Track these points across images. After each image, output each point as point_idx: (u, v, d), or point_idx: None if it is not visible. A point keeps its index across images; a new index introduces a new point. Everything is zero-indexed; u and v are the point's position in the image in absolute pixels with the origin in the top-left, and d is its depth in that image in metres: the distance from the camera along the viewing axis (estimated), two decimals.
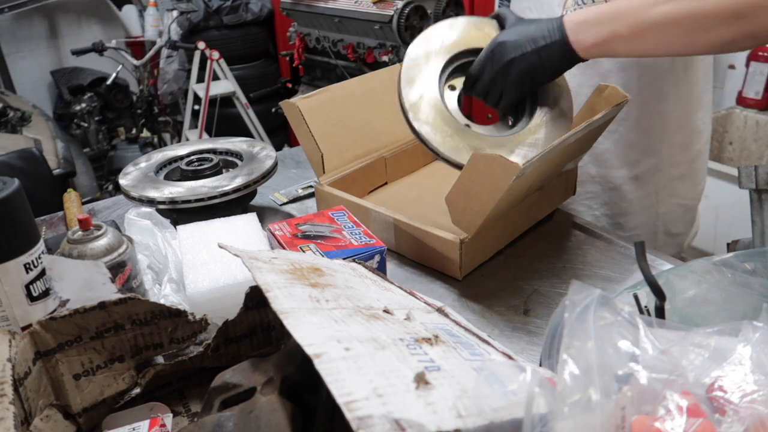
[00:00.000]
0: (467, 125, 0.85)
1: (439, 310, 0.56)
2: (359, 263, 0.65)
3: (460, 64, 0.87)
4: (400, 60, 2.48)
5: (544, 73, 0.77)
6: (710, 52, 0.75)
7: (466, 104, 0.89)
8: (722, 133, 2.89)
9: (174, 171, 1.04)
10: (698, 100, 1.01)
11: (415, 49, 0.88)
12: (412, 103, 0.83)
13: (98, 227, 0.71)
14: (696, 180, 1.07)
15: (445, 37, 0.88)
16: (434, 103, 0.84)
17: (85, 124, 3.19)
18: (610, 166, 1.03)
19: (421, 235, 0.84)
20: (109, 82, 3.24)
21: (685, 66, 0.96)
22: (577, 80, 0.93)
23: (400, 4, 2.10)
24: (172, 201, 0.92)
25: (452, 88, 0.87)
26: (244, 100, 3.20)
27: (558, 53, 0.75)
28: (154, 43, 3.27)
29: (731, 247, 1.19)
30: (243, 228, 0.82)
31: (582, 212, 1.05)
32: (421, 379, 0.35)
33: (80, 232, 0.69)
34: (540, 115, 0.84)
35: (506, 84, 0.79)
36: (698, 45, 0.73)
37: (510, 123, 0.88)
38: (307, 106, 0.96)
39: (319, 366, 0.34)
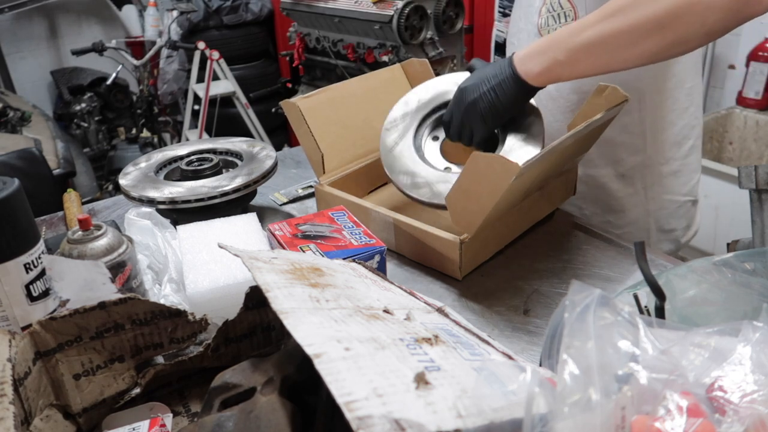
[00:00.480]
0: (447, 168, 0.93)
1: (439, 310, 0.56)
2: (359, 263, 0.65)
3: (438, 116, 0.97)
4: (400, 60, 2.48)
5: (503, 106, 0.83)
6: (643, 63, 0.78)
7: None
8: (722, 133, 2.89)
9: (174, 171, 1.04)
10: (688, 96, 1.01)
11: (393, 112, 0.99)
12: (391, 162, 0.95)
13: (98, 227, 0.71)
14: (689, 175, 1.07)
15: (421, 97, 0.99)
16: (411, 158, 0.94)
17: (85, 124, 3.19)
18: (594, 165, 1.04)
19: (421, 236, 0.84)
20: (109, 82, 3.24)
21: (666, 64, 0.96)
22: (558, 86, 1.00)
23: (400, 4, 2.10)
24: (172, 201, 0.92)
25: (435, 138, 0.98)
26: (244, 100, 3.20)
27: (512, 87, 0.81)
28: (154, 43, 3.27)
29: (731, 247, 1.19)
30: (243, 228, 0.82)
31: (572, 212, 1.05)
32: (421, 379, 0.35)
33: (80, 232, 0.69)
34: (509, 143, 0.88)
35: (473, 123, 0.86)
36: (630, 60, 0.75)
37: None
38: (308, 106, 0.96)
39: (319, 366, 0.34)
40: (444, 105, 0.96)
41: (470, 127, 0.86)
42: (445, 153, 0.96)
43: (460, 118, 0.87)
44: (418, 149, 0.95)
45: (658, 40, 0.72)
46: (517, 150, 0.87)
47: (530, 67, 0.79)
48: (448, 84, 0.98)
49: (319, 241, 0.76)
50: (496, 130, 0.90)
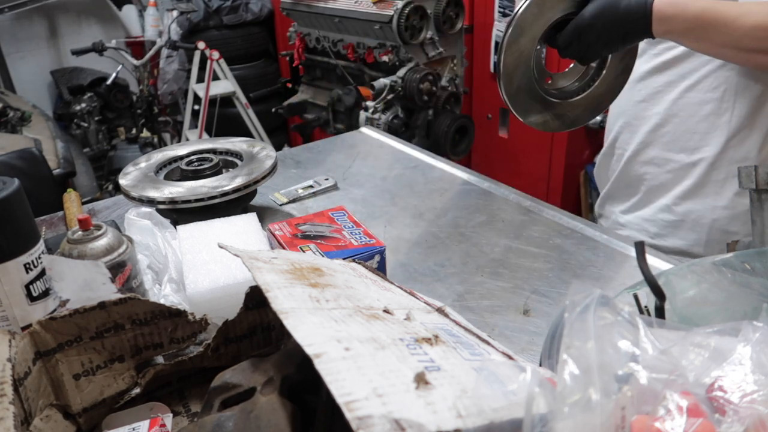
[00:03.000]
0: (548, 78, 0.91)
1: (439, 310, 0.56)
2: (359, 263, 0.65)
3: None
4: (400, 60, 2.47)
5: (627, 42, 0.85)
6: (746, 64, 0.88)
7: None
8: None
9: (174, 171, 1.04)
10: None
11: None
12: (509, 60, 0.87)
13: (98, 227, 0.70)
14: None
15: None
16: (525, 59, 0.87)
17: (85, 124, 3.19)
18: (670, 149, 1.02)
19: None
20: (109, 82, 3.24)
21: None
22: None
23: (400, 4, 2.10)
24: (172, 201, 0.92)
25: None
26: (244, 100, 3.20)
27: (641, 27, 0.82)
28: (154, 43, 3.27)
29: (731, 247, 1.19)
30: (243, 228, 0.82)
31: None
32: (421, 379, 0.35)
33: (80, 232, 0.69)
34: (606, 75, 0.92)
35: (590, 47, 0.85)
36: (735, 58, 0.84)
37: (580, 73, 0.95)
38: None
39: (319, 366, 0.34)
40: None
41: (587, 48, 0.85)
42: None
43: (580, 37, 0.84)
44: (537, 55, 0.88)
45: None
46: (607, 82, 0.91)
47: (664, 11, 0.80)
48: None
49: (319, 241, 0.76)
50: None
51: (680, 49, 0.96)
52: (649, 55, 1.00)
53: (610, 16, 0.82)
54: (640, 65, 0.99)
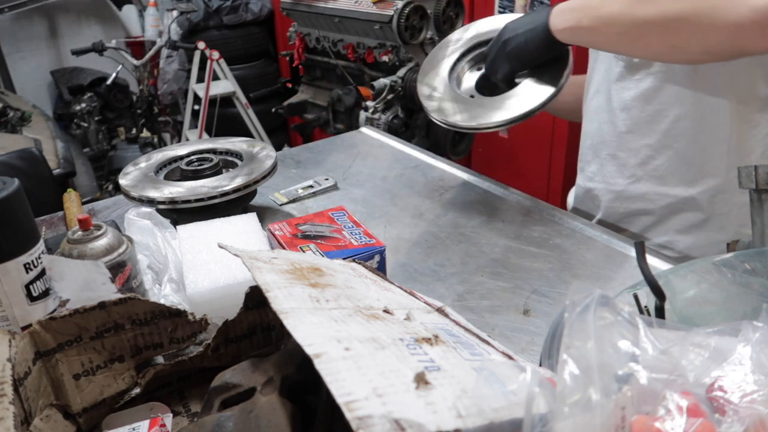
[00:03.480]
0: (471, 96, 0.98)
1: (439, 310, 0.56)
2: (359, 263, 0.65)
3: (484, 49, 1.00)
4: (400, 60, 2.46)
5: (527, 51, 0.87)
6: (648, 58, 0.82)
7: None
8: None
9: (174, 171, 1.04)
10: None
11: (453, 34, 1.06)
12: (425, 72, 1.02)
13: (98, 227, 0.70)
14: None
15: (479, 29, 1.05)
16: (442, 75, 1.01)
17: (85, 124, 3.19)
18: (665, 183, 0.94)
19: None
20: (109, 82, 3.24)
21: (748, 86, 0.85)
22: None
23: (400, 4, 2.10)
24: (172, 201, 0.92)
25: (479, 69, 1.02)
26: (244, 100, 3.20)
27: (540, 35, 0.85)
28: (154, 43, 3.27)
29: (731, 247, 1.19)
30: (243, 228, 0.82)
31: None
32: (421, 379, 0.35)
33: (80, 232, 0.69)
34: (520, 88, 0.93)
35: (500, 61, 0.91)
36: (637, 50, 0.79)
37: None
38: None
39: (319, 366, 0.34)
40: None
41: (498, 64, 0.91)
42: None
43: (494, 54, 0.91)
44: (453, 71, 1.01)
45: (661, 40, 0.74)
46: (519, 96, 0.92)
47: (559, 21, 0.82)
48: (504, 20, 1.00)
49: (319, 241, 0.76)
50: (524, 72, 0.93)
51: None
52: (631, 81, 0.90)
53: (526, 17, 0.87)
54: (622, 92, 0.91)
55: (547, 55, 0.88)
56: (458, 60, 1.02)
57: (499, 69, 0.91)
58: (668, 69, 0.87)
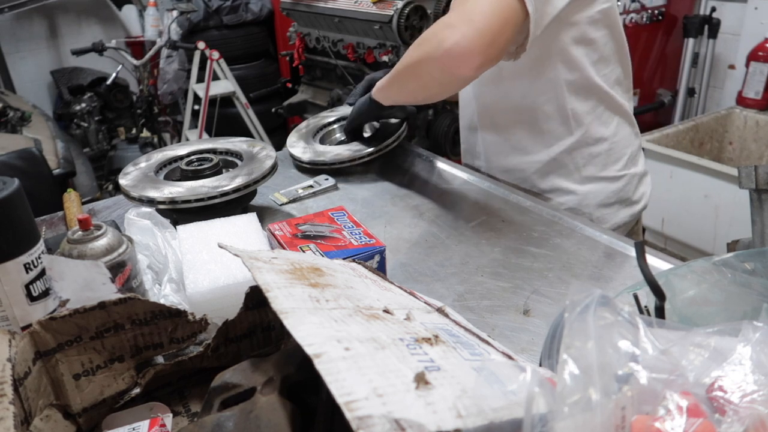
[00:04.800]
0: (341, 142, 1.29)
1: (439, 310, 0.56)
2: (359, 263, 0.65)
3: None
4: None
5: (361, 116, 1.15)
6: (419, 100, 1.10)
7: None
8: (722, 133, 2.89)
9: (174, 171, 1.04)
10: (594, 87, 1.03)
11: (296, 129, 1.36)
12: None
13: (98, 227, 0.70)
14: (621, 151, 1.08)
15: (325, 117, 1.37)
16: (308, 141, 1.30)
17: (85, 124, 3.19)
18: (527, 152, 1.10)
19: None
20: (109, 82, 3.24)
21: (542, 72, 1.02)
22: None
23: (400, 4, 2.10)
24: (172, 201, 0.92)
25: (341, 142, 1.29)
26: (244, 100, 3.20)
27: (365, 101, 1.11)
28: (154, 43, 3.27)
29: (731, 247, 1.19)
30: (243, 228, 0.82)
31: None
32: (421, 379, 0.35)
33: (80, 232, 0.69)
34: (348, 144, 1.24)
35: (348, 121, 1.21)
36: (410, 94, 1.03)
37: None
38: None
39: (319, 366, 0.34)
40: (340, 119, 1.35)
41: (348, 123, 1.21)
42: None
43: (349, 118, 1.20)
44: (314, 139, 1.30)
45: (415, 83, 0.96)
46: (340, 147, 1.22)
47: (375, 90, 1.08)
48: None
49: (319, 241, 0.76)
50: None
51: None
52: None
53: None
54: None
55: (376, 116, 1.17)
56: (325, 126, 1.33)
57: (346, 128, 1.23)
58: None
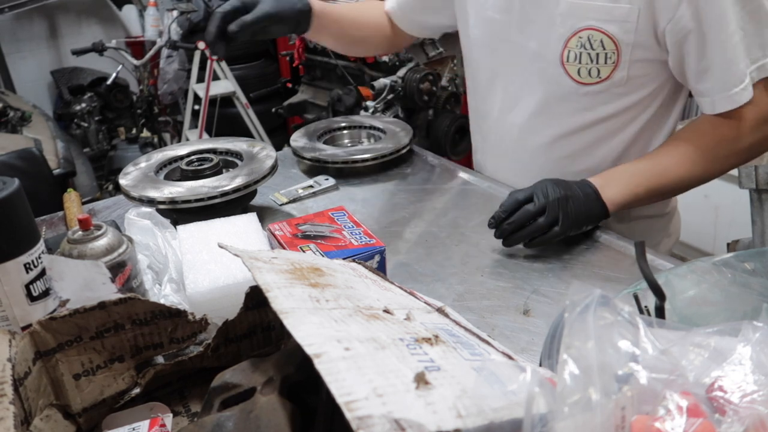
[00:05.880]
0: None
1: (439, 310, 0.56)
2: (359, 263, 0.65)
3: None
4: (400, 60, 2.45)
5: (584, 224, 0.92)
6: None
7: None
8: None
9: (174, 171, 1.04)
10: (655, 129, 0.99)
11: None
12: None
13: (98, 227, 0.70)
14: None
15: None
16: None
17: (85, 124, 3.18)
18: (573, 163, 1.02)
19: None
20: (109, 82, 3.24)
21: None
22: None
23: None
24: (172, 201, 0.92)
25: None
26: (244, 100, 3.20)
27: (597, 212, 0.90)
28: (154, 43, 3.26)
29: (731, 247, 1.19)
30: (243, 228, 0.82)
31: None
32: (421, 379, 0.35)
33: (80, 232, 0.69)
34: None
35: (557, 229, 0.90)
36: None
37: None
38: None
39: (319, 366, 0.34)
40: None
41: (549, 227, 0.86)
42: None
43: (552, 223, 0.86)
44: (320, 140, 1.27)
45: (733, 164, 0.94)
46: None
47: (611, 194, 0.89)
48: None
49: (319, 241, 0.76)
50: None
51: (614, 105, 0.94)
52: (575, 110, 0.97)
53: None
54: (562, 120, 0.98)
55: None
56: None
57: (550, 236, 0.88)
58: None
